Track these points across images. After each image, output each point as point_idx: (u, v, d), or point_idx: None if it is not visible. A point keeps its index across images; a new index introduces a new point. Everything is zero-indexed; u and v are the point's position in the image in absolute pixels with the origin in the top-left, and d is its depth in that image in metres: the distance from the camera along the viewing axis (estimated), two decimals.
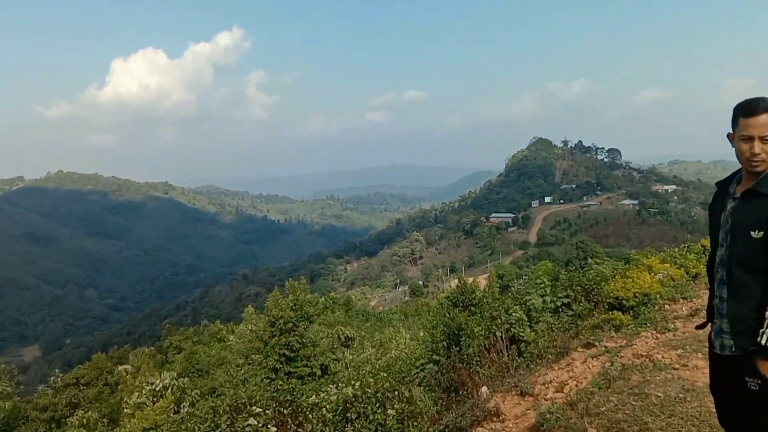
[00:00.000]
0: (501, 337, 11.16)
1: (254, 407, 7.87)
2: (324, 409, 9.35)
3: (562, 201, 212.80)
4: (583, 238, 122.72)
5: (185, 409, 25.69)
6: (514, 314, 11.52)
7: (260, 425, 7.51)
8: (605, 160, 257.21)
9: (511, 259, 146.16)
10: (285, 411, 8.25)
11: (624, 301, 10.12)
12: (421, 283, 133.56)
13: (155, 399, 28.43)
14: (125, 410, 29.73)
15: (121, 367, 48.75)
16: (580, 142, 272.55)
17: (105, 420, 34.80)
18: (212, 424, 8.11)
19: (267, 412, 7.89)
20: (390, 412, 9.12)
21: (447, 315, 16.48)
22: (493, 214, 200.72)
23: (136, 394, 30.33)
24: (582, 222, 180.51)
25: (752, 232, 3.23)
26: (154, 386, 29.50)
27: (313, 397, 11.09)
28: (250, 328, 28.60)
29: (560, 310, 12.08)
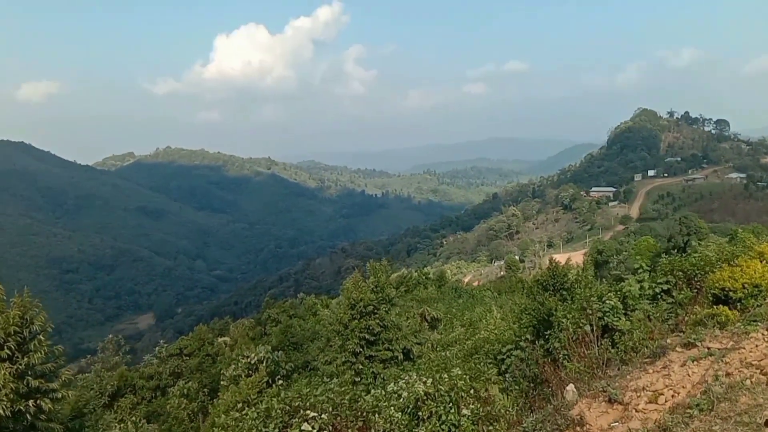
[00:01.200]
0: (592, 328, 10.35)
1: (308, 411, 7.43)
2: (393, 408, 8.86)
3: (666, 174, 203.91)
4: (686, 213, 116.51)
5: (279, 382, 26.12)
6: (608, 302, 10.63)
7: (315, 430, 7.08)
8: (713, 131, 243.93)
9: (611, 235, 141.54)
10: (343, 414, 7.77)
11: (731, 293, 9.05)
12: (517, 258, 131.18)
13: (250, 372, 29.11)
14: (222, 382, 30.68)
15: (221, 339, 50.41)
16: (686, 113, 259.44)
17: (205, 390, 36.15)
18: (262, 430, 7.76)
19: (323, 416, 7.43)
20: (465, 412, 8.53)
21: (536, 299, 15.69)
22: (594, 188, 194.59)
23: (233, 366, 31.19)
24: (686, 196, 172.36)
25: None
26: (249, 359, 30.20)
27: (392, 385, 10.65)
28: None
29: (659, 297, 11.11)
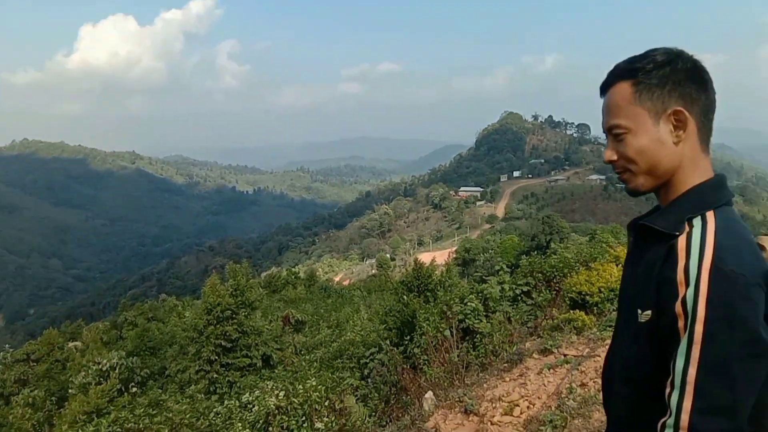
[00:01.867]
0: (452, 331, 10.09)
1: None
2: (241, 423, 8.12)
3: (530, 175, 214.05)
4: (549, 212, 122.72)
5: (133, 390, 24.34)
6: (469, 304, 10.44)
7: None
8: (574, 135, 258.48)
9: (478, 233, 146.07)
10: None
11: (588, 297, 8.99)
12: (388, 256, 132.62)
13: (101, 379, 27.07)
14: (70, 390, 28.34)
15: (71, 344, 47.00)
16: (550, 116, 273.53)
17: (53, 398, 33.38)
18: None
19: None
20: (318, 425, 7.93)
21: (400, 300, 15.40)
22: (462, 188, 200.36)
23: (82, 373, 28.90)
24: (549, 197, 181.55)
25: (639, 311, 1.69)
26: (100, 366, 28.08)
27: (246, 395, 9.92)
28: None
29: (519, 298, 11.01)
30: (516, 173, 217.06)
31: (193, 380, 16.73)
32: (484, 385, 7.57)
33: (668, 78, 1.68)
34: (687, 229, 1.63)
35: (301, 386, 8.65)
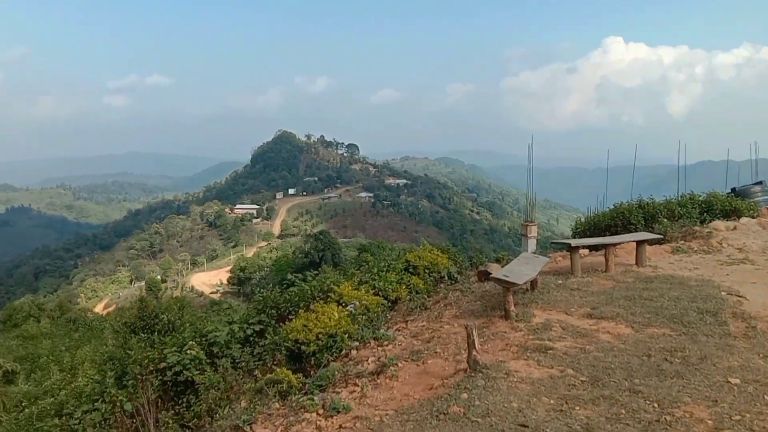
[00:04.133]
0: (168, 385, 8.37)
1: None
2: None
3: (305, 193, 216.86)
4: (322, 228, 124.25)
5: None
6: (190, 351, 8.73)
7: None
8: (345, 154, 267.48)
9: (254, 251, 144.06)
10: None
11: (304, 346, 7.68)
12: (159, 277, 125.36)
13: None
14: None
15: None
16: (322, 136, 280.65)
17: None
18: None
19: None
20: None
21: (123, 345, 13.18)
22: (238, 206, 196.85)
23: None
24: (323, 213, 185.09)
25: None
26: None
27: None
28: None
29: (251, 339, 9.52)
30: (291, 191, 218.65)
31: None
32: None
33: None
34: None
35: None
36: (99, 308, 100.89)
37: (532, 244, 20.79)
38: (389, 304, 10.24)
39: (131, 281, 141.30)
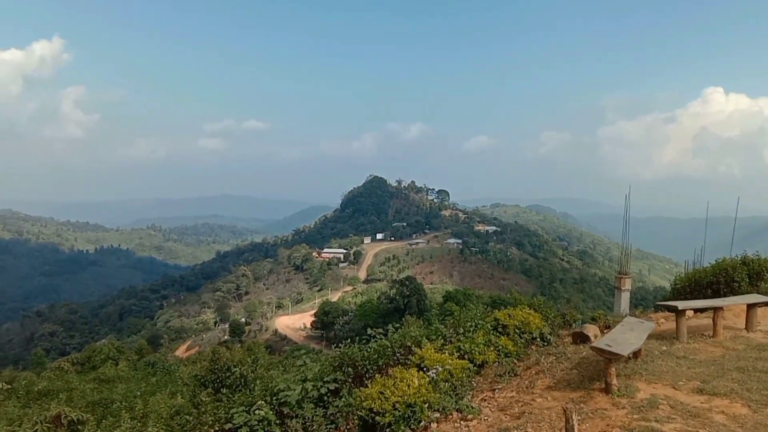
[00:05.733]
0: None
1: None
2: None
3: (392, 238, 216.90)
4: (408, 274, 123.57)
5: None
6: (258, 412, 8.31)
7: None
8: (435, 200, 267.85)
9: (339, 295, 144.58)
10: None
11: (379, 416, 7.09)
12: (243, 320, 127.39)
13: None
14: None
15: None
16: (413, 182, 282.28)
17: None
18: None
19: None
20: None
21: (192, 400, 12.93)
22: (326, 249, 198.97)
23: None
24: (410, 259, 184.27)
25: None
26: None
27: None
28: None
29: (326, 399, 9.02)
30: (379, 235, 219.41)
31: None
32: None
33: None
34: None
35: None
36: (181, 350, 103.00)
37: (625, 297, 19.72)
38: (475, 368, 9.47)
39: (215, 323, 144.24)
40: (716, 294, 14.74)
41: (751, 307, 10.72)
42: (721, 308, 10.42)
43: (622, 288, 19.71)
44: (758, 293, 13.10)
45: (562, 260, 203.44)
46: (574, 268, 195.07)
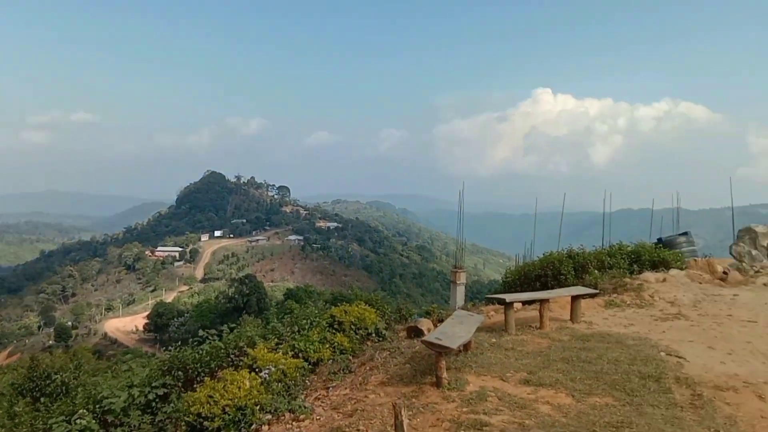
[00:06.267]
0: None
1: None
2: None
3: (232, 235, 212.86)
4: (249, 272, 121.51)
5: None
6: (80, 421, 7.59)
7: None
8: (275, 196, 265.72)
9: (174, 295, 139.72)
10: None
11: (207, 421, 6.69)
12: (70, 324, 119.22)
13: None
14: None
15: None
16: (252, 178, 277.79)
17: None
18: None
19: None
20: None
21: (8, 411, 11.65)
22: (160, 248, 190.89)
23: None
24: (250, 256, 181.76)
25: None
26: None
27: None
28: None
29: (154, 405, 8.38)
30: (218, 233, 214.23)
31: None
32: None
33: None
34: None
35: None
36: (1, 357, 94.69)
37: (461, 291, 20.37)
38: (310, 366, 9.24)
39: (39, 327, 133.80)
40: (544, 286, 15.51)
41: (575, 298, 11.25)
42: (547, 300, 10.87)
43: (458, 282, 20.36)
44: (583, 285, 13.89)
45: (402, 255, 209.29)
46: (413, 263, 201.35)
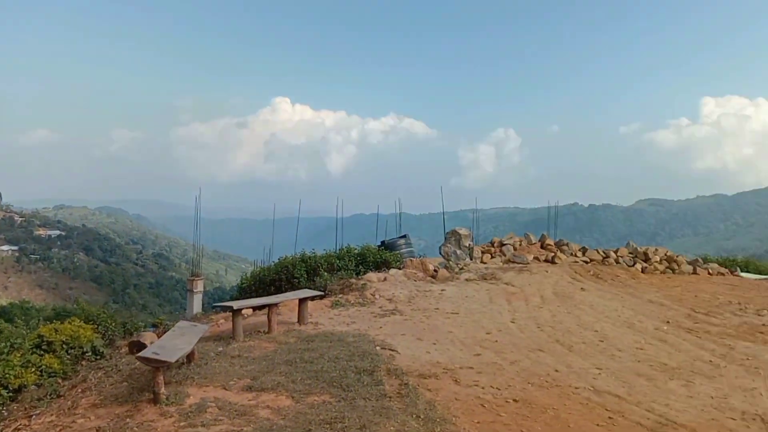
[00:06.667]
0: None
1: None
2: None
3: None
4: None
5: None
6: None
7: None
8: None
9: None
10: None
11: None
12: None
13: None
14: None
15: None
16: None
17: None
18: None
19: None
20: None
21: None
22: None
23: None
24: None
25: None
26: None
27: None
28: None
29: None
30: None
31: None
32: None
33: None
34: None
35: None
36: None
37: (198, 299, 20.04)
38: (10, 394, 8.40)
39: None
40: (278, 290, 15.93)
41: (302, 301, 11.68)
42: (275, 305, 11.16)
43: (195, 290, 20.00)
44: (314, 287, 14.52)
45: (137, 264, 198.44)
46: (149, 272, 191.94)
